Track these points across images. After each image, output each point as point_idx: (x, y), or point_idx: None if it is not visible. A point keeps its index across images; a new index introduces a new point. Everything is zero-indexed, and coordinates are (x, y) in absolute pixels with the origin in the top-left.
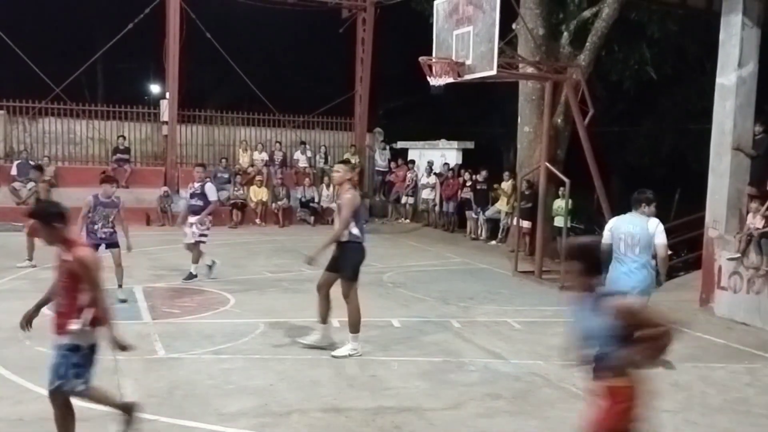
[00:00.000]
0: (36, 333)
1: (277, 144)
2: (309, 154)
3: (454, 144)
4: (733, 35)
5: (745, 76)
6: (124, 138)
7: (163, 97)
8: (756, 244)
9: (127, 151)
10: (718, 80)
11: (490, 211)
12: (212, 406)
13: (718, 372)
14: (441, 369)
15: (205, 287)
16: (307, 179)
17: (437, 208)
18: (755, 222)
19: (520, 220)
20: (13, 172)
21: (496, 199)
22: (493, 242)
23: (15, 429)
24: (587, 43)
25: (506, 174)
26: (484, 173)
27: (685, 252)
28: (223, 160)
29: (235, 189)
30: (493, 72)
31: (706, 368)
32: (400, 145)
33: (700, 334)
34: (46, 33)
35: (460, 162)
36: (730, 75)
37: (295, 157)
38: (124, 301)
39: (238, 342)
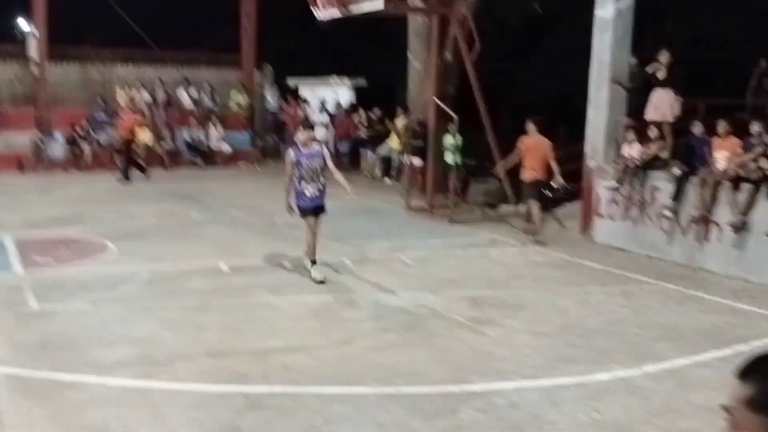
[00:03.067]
0: None
1: (160, 82)
2: (194, 93)
3: (346, 81)
4: None
5: (623, 8)
6: None
7: (30, 33)
8: (632, 174)
9: None
10: (597, 13)
11: (384, 149)
12: (90, 358)
13: (596, 296)
14: (332, 307)
15: (85, 235)
16: (193, 119)
17: (331, 147)
18: (631, 152)
19: (412, 157)
20: None
21: (388, 137)
22: (387, 180)
23: None
24: None
25: (399, 111)
26: (377, 111)
27: (568, 183)
28: (100, 100)
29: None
30: (381, 5)
31: (584, 292)
32: (290, 82)
33: (578, 259)
34: None
35: (353, 100)
36: (608, 7)
37: (179, 95)
38: None
39: (118, 291)
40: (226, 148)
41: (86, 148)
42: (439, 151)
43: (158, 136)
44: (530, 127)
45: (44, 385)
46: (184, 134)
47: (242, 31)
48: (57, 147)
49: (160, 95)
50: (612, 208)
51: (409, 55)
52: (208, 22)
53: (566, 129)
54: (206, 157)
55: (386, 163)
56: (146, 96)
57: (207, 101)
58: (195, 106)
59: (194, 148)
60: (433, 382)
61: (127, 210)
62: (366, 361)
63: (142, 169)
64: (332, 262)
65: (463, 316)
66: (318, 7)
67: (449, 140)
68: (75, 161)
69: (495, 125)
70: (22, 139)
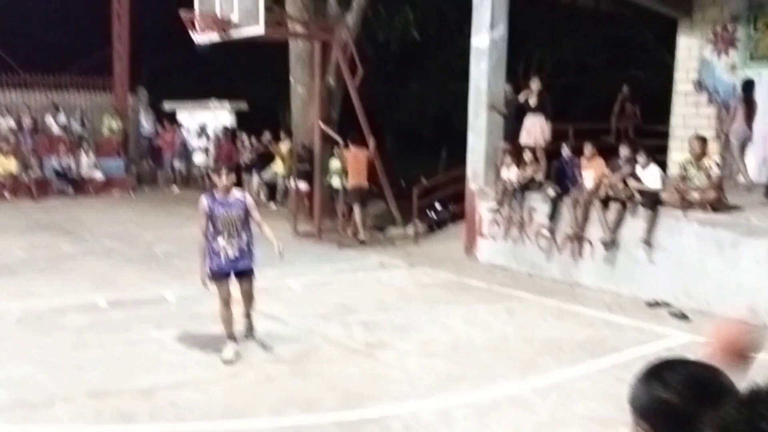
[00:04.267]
0: None
1: (26, 108)
2: (63, 118)
3: (226, 105)
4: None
5: (497, 38)
6: None
7: None
8: (511, 195)
9: None
10: (473, 42)
11: (268, 174)
12: None
13: (482, 314)
14: (219, 340)
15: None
16: (62, 146)
17: (212, 173)
18: (509, 175)
19: (298, 181)
20: None
21: (272, 161)
22: (272, 205)
23: None
24: (353, 3)
25: (282, 135)
26: (259, 135)
27: (451, 205)
28: None
29: None
30: (261, 30)
31: (470, 311)
32: (167, 106)
33: (464, 279)
34: None
35: (233, 123)
36: (484, 37)
37: (47, 121)
38: None
39: None
40: (98, 175)
41: None
42: (325, 174)
43: (25, 165)
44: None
45: None
46: (53, 162)
47: (114, 53)
48: None
49: (27, 121)
50: (493, 228)
51: (291, 79)
52: (77, 45)
53: (447, 151)
54: (77, 185)
55: (271, 188)
56: (11, 122)
57: (77, 127)
58: (64, 132)
59: (64, 176)
60: (327, 410)
61: None
62: (257, 393)
63: None
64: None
65: (355, 340)
66: (196, 30)
67: (335, 164)
68: None
69: (380, 147)
70: None
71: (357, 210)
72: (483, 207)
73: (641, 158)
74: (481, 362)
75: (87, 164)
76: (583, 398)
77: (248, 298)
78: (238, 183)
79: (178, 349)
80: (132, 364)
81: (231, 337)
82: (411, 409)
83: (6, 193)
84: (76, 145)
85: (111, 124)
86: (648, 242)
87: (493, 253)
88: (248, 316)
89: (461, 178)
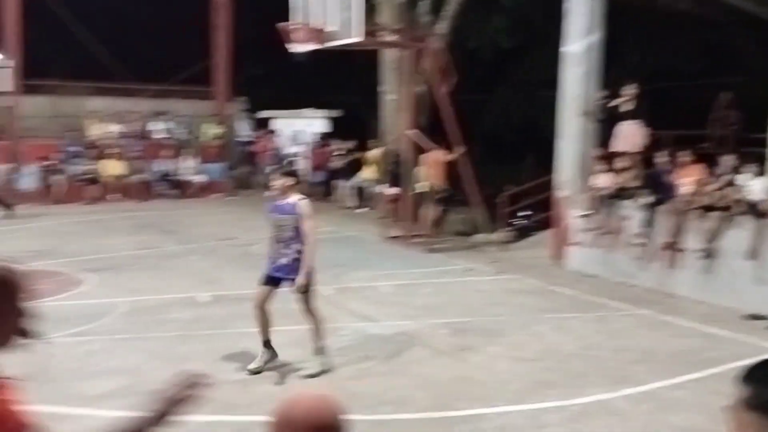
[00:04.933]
0: None
1: (133, 114)
2: (168, 124)
3: (321, 113)
4: (579, 4)
5: (591, 44)
6: None
7: (1, 66)
8: (602, 203)
9: None
10: (566, 48)
11: (357, 180)
12: (76, 389)
13: (571, 321)
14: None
15: (59, 268)
16: (166, 151)
17: (304, 178)
18: (601, 182)
19: (387, 187)
20: None
21: (362, 167)
22: (362, 210)
23: None
24: (445, 12)
25: (372, 142)
26: (352, 142)
27: (538, 212)
28: (72, 133)
29: (88, 163)
30: (359, 39)
31: (560, 318)
32: (264, 114)
33: (552, 286)
34: None
35: (327, 131)
36: (576, 43)
37: (152, 127)
38: None
39: (99, 323)
40: (199, 179)
41: (58, 180)
42: (414, 180)
43: (132, 168)
44: None
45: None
46: (158, 166)
47: (215, 63)
48: (28, 179)
49: (134, 127)
50: (583, 236)
51: (382, 87)
52: (182, 56)
53: (533, 158)
54: (179, 188)
55: (360, 194)
56: (119, 128)
57: (180, 133)
58: (168, 138)
59: (167, 179)
60: (418, 409)
61: (102, 242)
62: (350, 390)
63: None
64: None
65: (443, 343)
66: (293, 41)
67: (423, 170)
68: (46, 194)
69: (467, 154)
70: None
71: (430, 209)
72: (572, 214)
73: (746, 167)
74: (571, 370)
75: (189, 168)
76: (679, 409)
77: (306, 316)
78: (303, 191)
79: (275, 343)
80: (232, 357)
81: (265, 344)
82: (501, 411)
83: (115, 195)
84: (179, 150)
85: (212, 131)
86: (752, 254)
87: (582, 261)
88: (315, 339)
89: (548, 185)
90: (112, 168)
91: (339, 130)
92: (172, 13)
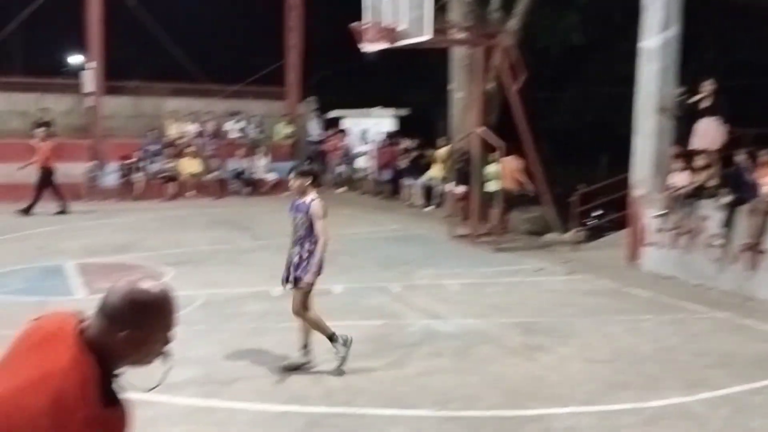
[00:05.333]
0: None
1: (209, 114)
2: (241, 124)
3: (389, 111)
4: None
5: (669, 39)
6: (47, 111)
7: (85, 68)
8: (680, 202)
9: (49, 124)
10: (642, 44)
11: (425, 178)
12: (154, 377)
13: (646, 323)
14: (382, 332)
15: (140, 262)
16: (240, 150)
17: (372, 176)
18: (679, 181)
19: (455, 185)
20: None
21: (429, 166)
22: (429, 208)
23: None
24: (516, 9)
25: (440, 140)
26: (417, 140)
27: (613, 212)
28: (153, 132)
29: (166, 161)
30: (429, 37)
31: (634, 320)
32: (334, 113)
33: (626, 288)
34: None
35: (395, 129)
36: (654, 39)
37: (227, 127)
38: None
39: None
40: (271, 177)
41: (138, 178)
42: (483, 179)
43: (207, 167)
44: None
45: None
46: (232, 164)
47: (287, 64)
48: (110, 177)
49: (209, 127)
50: (660, 236)
51: (451, 85)
52: (255, 57)
53: (607, 157)
54: (252, 186)
55: (427, 192)
56: (195, 127)
57: (253, 132)
58: (242, 137)
59: (241, 177)
60: (488, 407)
61: (180, 237)
62: (420, 385)
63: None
64: (379, 287)
65: (513, 342)
66: (364, 40)
67: (492, 168)
68: (127, 190)
69: (537, 153)
70: (77, 170)
71: (499, 208)
72: (648, 214)
73: None
74: (645, 372)
75: (261, 167)
76: (758, 414)
77: (296, 313)
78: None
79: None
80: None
81: (330, 338)
82: (573, 412)
83: (189, 193)
84: (252, 149)
85: (283, 130)
86: None
87: (658, 262)
88: (303, 340)
89: (622, 184)
90: (189, 166)
91: (407, 128)
92: (247, 16)
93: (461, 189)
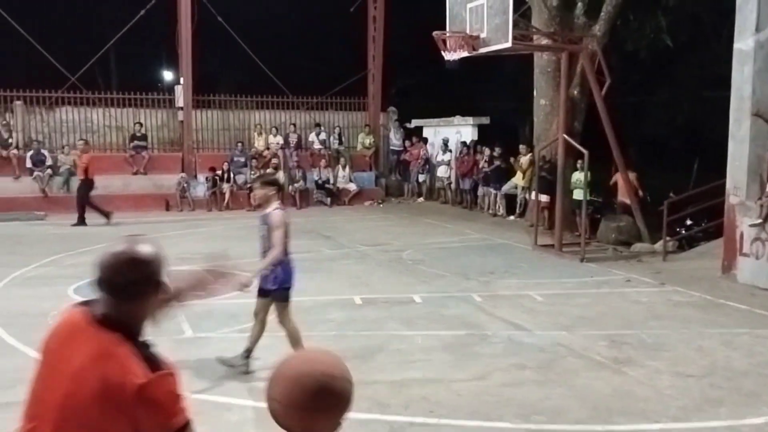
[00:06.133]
0: None
1: (292, 126)
2: (323, 135)
3: (470, 120)
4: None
5: (763, 40)
6: (141, 125)
7: (177, 83)
8: None
9: (144, 137)
10: (736, 45)
11: (507, 186)
12: (241, 382)
13: (742, 337)
14: (465, 342)
15: (228, 269)
16: (322, 161)
17: (453, 186)
18: None
19: (539, 194)
20: (28, 164)
21: (512, 174)
22: (511, 217)
23: None
24: (602, 13)
25: (523, 148)
26: (498, 149)
27: (705, 221)
28: (239, 144)
29: (252, 172)
30: (509, 44)
31: (729, 334)
32: (414, 123)
33: (721, 300)
34: (58, 22)
35: (476, 138)
36: (748, 40)
37: (309, 139)
38: None
39: None
40: (352, 187)
41: (225, 188)
42: (567, 187)
43: (290, 177)
44: None
45: (203, 406)
46: (314, 175)
47: (369, 75)
48: (200, 187)
49: (293, 138)
50: (756, 246)
51: (535, 92)
52: (337, 69)
53: (699, 163)
54: (334, 195)
55: (510, 201)
56: (279, 140)
57: (335, 143)
58: (324, 148)
59: (323, 187)
60: (575, 421)
61: None
62: (503, 397)
63: (105, 214)
64: (460, 297)
65: (601, 355)
66: (447, 49)
67: (577, 176)
68: (215, 201)
69: (624, 159)
70: (168, 180)
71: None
72: (744, 222)
73: None
74: (742, 388)
75: (343, 177)
76: None
77: (282, 324)
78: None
79: (426, 347)
80: (386, 358)
81: (246, 352)
82: (664, 428)
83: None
84: (334, 160)
85: (364, 141)
86: None
87: (755, 274)
88: (249, 340)
89: (716, 192)
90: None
91: (488, 136)
92: (329, 29)
93: (545, 197)
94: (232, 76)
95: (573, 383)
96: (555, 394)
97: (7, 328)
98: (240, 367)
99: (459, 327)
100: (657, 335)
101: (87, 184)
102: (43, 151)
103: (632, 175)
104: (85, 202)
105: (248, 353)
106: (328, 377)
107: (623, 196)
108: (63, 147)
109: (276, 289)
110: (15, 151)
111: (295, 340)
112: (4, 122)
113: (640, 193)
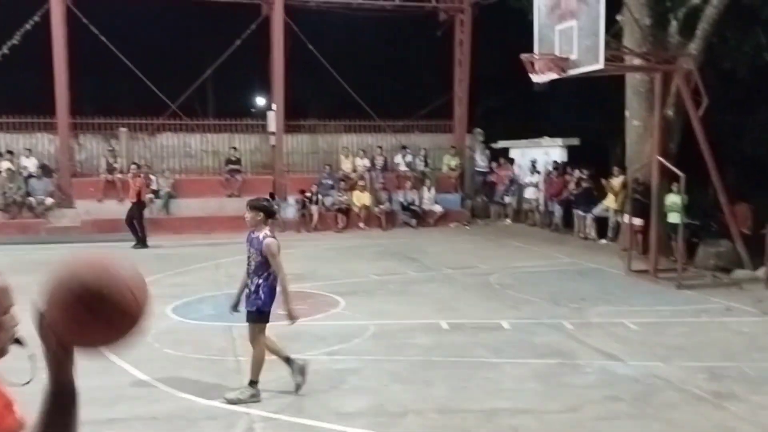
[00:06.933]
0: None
1: (378, 149)
2: (409, 157)
3: (558, 141)
4: None
5: None
6: (236, 149)
7: (269, 109)
8: None
9: (238, 161)
10: None
11: (598, 209)
12: (330, 406)
13: None
14: (555, 371)
15: (317, 291)
16: (408, 182)
17: (542, 208)
18: None
19: (632, 217)
20: None
21: (602, 196)
22: (603, 241)
23: (149, 427)
24: (698, 31)
25: (615, 170)
26: (589, 170)
27: None
28: (327, 167)
29: (339, 194)
30: (600, 66)
31: None
32: (500, 144)
33: None
34: (160, 53)
35: (565, 159)
36: None
37: (395, 161)
38: None
39: (350, 343)
40: (437, 208)
41: (314, 210)
42: (662, 210)
43: (376, 199)
44: None
45: (293, 429)
46: (400, 196)
47: (455, 97)
48: (289, 209)
49: (379, 161)
50: None
51: (627, 112)
52: (422, 92)
53: None
54: (419, 217)
55: (601, 224)
56: (366, 162)
57: (420, 165)
58: (409, 170)
59: (408, 209)
60: None
61: (351, 267)
62: (597, 430)
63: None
64: (551, 324)
65: (700, 388)
66: (535, 71)
67: (673, 199)
68: (304, 222)
69: (721, 181)
70: None
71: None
72: None
73: None
74: None
75: (428, 198)
76: None
77: (252, 345)
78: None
79: (516, 376)
80: (474, 386)
81: (252, 381)
82: None
83: (361, 224)
84: (419, 181)
85: (450, 162)
86: None
87: None
88: (251, 371)
89: None
90: (360, 199)
91: (578, 157)
92: (416, 54)
93: (638, 221)
94: (321, 101)
95: (670, 418)
96: (651, 429)
97: None
98: (252, 399)
99: (549, 355)
100: (760, 368)
101: (139, 207)
102: (151, 176)
103: (743, 206)
104: (140, 224)
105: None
106: (104, 281)
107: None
108: (163, 171)
109: (254, 311)
110: (120, 176)
111: (257, 365)
112: (110, 148)
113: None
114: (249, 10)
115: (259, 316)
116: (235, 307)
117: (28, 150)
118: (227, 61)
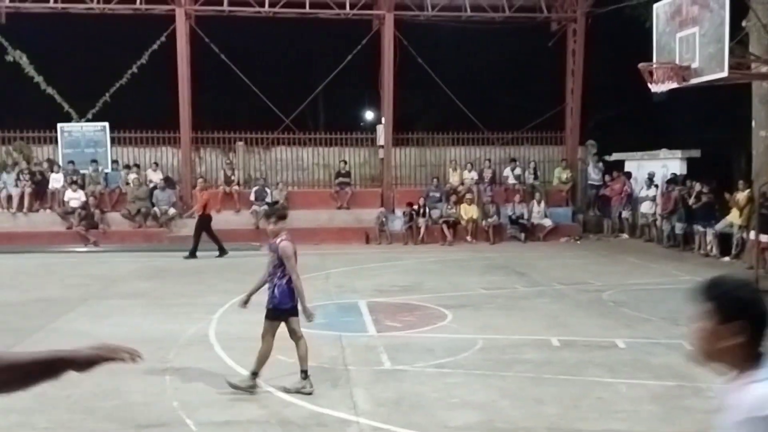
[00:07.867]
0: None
1: (487, 162)
2: (518, 170)
3: (678, 153)
4: None
5: None
6: (346, 162)
7: (378, 122)
8: None
9: (348, 174)
10: None
11: (721, 225)
12: (438, 419)
13: None
14: (675, 394)
15: (424, 303)
16: (517, 196)
17: (659, 222)
18: None
19: (759, 233)
20: (252, 197)
21: (726, 211)
22: (726, 258)
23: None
24: None
25: (740, 183)
26: (711, 184)
27: None
28: (435, 180)
29: (448, 207)
30: (724, 74)
31: None
32: (614, 156)
33: None
34: (274, 70)
35: (685, 172)
36: None
37: (504, 174)
38: None
39: (458, 357)
40: (547, 222)
41: (421, 222)
42: None
43: (484, 212)
44: None
45: None
46: (508, 210)
47: (566, 109)
48: (397, 222)
49: (487, 174)
50: None
51: (753, 123)
52: (533, 104)
53: None
54: (528, 231)
55: (724, 240)
56: (474, 175)
57: (530, 178)
58: (518, 183)
59: (517, 222)
60: None
61: (458, 281)
62: None
63: (221, 249)
64: (669, 344)
65: None
66: (654, 81)
67: None
68: (411, 234)
69: None
70: (369, 215)
71: None
72: None
73: None
74: None
75: (538, 212)
76: None
77: (294, 341)
78: None
79: (632, 397)
80: (587, 406)
81: (253, 372)
82: None
83: (468, 237)
84: (528, 195)
85: (561, 175)
86: None
87: None
88: (301, 370)
89: None
90: (467, 212)
91: (699, 170)
92: (527, 65)
93: (766, 238)
94: (429, 114)
95: None
96: None
97: (227, 352)
98: (250, 388)
99: (668, 377)
100: None
101: (205, 220)
102: (266, 188)
103: None
104: (210, 236)
105: (304, 372)
106: None
107: None
108: (277, 184)
109: (270, 308)
110: (237, 188)
111: (261, 359)
112: (228, 161)
113: None
114: (360, 25)
115: (274, 314)
116: (245, 303)
117: (155, 164)
118: (338, 75)
